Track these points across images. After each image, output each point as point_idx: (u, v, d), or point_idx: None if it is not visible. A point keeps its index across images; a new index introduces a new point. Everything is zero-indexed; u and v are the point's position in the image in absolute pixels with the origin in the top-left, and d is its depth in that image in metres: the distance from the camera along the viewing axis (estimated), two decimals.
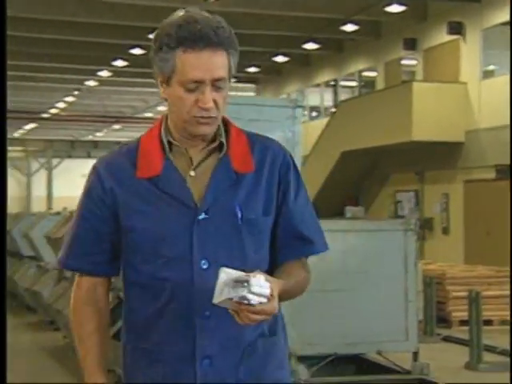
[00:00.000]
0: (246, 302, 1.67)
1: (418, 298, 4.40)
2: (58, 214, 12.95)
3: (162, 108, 26.42)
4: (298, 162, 6.96)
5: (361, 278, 4.28)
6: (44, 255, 12.07)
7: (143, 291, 1.94)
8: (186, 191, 1.92)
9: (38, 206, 27.86)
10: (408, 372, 4.33)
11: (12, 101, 28.52)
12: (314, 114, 22.92)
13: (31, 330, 10.92)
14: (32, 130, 34.05)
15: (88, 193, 2.00)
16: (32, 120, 32.10)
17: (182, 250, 1.90)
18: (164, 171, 1.93)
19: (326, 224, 4.27)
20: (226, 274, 1.69)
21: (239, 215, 1.92)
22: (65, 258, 2.04)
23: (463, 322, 9.38)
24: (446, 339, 9.03)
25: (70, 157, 33.81)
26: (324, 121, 19.62)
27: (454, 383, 5.62)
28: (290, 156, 2.04)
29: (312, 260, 4.38)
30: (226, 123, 2.00)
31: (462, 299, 9.07)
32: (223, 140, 1.96)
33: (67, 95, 28.18)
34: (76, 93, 27.60)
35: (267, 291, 1.69)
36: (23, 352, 9.20)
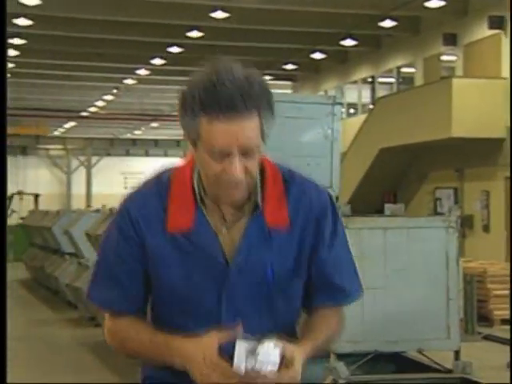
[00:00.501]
0: (257, 371, 1.65)
1: (459, 296, 4.34)
2: (97, 211, 13.07)
3: None
4: (337, 159, 6.92)
5: (401, 276, 4.25)
6: (84, 252, 12.20)
7: None
8: (217, 248, 1.84)
9: (78, 203, 28.17)
10: (449, 371, 4.28)
11: (52, 100, 28.92)
12: (352, 110, 22.81)
13: (72, 325, 11.04)
14: (72, 128, 34.46)
15: (120, 231, 1.90)
16: (72, 118, 32.48)
17: (210, 306, 1.86)
18: (196, 225, 1.84)
19: (365, 222, 4.27)
20: (240, 346, 1.67)
21: (270, 274, 1.85)
22: (96, 291, 1.94)
23: (504, 321, 9.25)
24: (487, 338, 8.92)
25: (108, 155, 34.14)
26: (362, 118, 19.50)
27: (497, 383, 5.55)
28: (330, 196, 1.94)
29: (354, 256, 4.34)
30: (262, 165, 1.86)
31: (503, 297, 8.96)
32: (259, 201, 1.84)
33: (106, 94, 28.45)
34: (115, 91, 27.84)
35: (276, 359, 1.66)
36: (63, 347, 9.31)
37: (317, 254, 1.89)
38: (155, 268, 1.88)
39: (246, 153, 1.74)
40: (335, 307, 1.93)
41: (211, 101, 1.71)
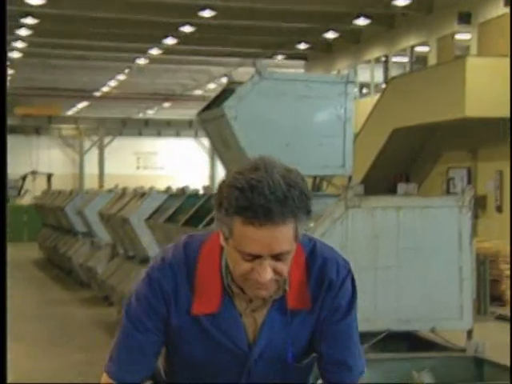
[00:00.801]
0: None
1: (472, 276, 4.33)
2: (110, 191, 13.11)
3: (213, 85, 26.45)
4: (350, 139, 6.89)
5: (414, 256, 4.24)
6: (97, 232, 12.26)
7: None
8: (241, 335, 1.86)
9: (91, 183, 28.26)
10: (462, 350, 4.28)
11: (65, 80, 28.91)
12: (365, 90, 22.68)
13: (86, 305, 11.12)
14: (84, 108, 34.48)
15: (149, 302, 1.87)
16: (84, 98, 32.50)
17: (228, 382, 1.90)
18: (222, 310, 1.84)
19: (378, 201, 4.26)
20: None
21: (290, 360, 1.88)
22: (115, 368, 1.92)
23: None
24: (500, 318, 8.92)
25: (121, 135, 34.17)
26: (374, 98, 19.39)
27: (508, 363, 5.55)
28: (349, 271, 1.94)
29: (366, 237, 4.31)
30: None
31: None
32: (287, 288, 1.83)
33: (119, 74, 28.42)
34: (127, 71, 27.81)
35: None
36: (78, 326, 9.39)
37: (329, 327, 1.90)
38: (176, 343, 1.90)
39: (277, 258, 1.73)
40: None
41: (247, 206, 1.68)
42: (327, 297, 1.88)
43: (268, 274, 1.72)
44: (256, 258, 1.72)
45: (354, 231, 4.17)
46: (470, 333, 4.31)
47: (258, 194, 1.67)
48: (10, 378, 6.90)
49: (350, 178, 6.81)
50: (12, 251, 19.97)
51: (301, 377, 1.96)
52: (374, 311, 4.21)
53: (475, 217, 4.30)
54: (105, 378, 1.94)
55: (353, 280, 1.94)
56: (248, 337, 1.86)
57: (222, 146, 6.81)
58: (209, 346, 1.86)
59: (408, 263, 4.23)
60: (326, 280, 1.88)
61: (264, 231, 1.68)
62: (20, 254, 18.89)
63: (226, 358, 1.87)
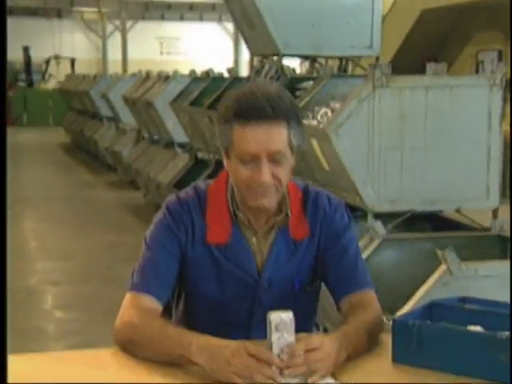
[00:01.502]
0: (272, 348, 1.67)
1: (499, 157, 4.29)
2: (134, 75, 13.02)
3: None
4: (378, 19, 6.70)
5: (442, 136, 4.18)
6: (122, 116, 12.27)
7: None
8: (252, 263, 2.00)
9: (114, 69, 28.06)
10: (487, 229, 4.30)
11: None
12: None
13: (112, 188, 11.28)
14: None
15: (169, 229, 1.99)
16: None
17: (241, 317, 2.02)
18: (232, 240, 2.00)
19: (406, 80, 4.17)
20: (270, 320, 1.69)
21: (297, 287, 2.04)
22: (139, 282, 1.97)
23: None
24: None
25: (143, 19, 33.62)
26: None
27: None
28: (342, 203, 2.10)
29: (393, 118, 4.27)
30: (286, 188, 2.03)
31: None
32: (289, 212, 2.01)
33: None
34: None
35: (290, 338, 1.67)
36: (105, 209, 9.55)
37: (329, 253, 2.05)
38: (190, 278, 2.02)
39: (274, 160, 1.88)
40: (357, 295, 2.03)
41: (243, 109, 1.87)
42: (323, 225, 2.05)
43: (267, 174, 1.87)
44: (255, 161, 1.87)
45: (380, 112, 4.11)
46: (495, 212, 4.31)
47: (252, 99, 1.87)
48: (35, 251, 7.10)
49: (377, 59, 6.68)
50: (38, 136, 20.21)
51: (308, 305, 2.11)
52: (399, 192, 4.20)
53: (504, 101, 4.20)
54: (128, 296, 1.96)
55: (346, 209, 2.11)
56: (257, 265, 2.01)
57: (247, 26, 6.68)
58: (221, 277, 2.00)
59: (435, 144, 4.19)
60: (320, 209, 2.05)
61: (260, 130, 1.85)
62: (46, 138, 19.06)
63: (238, 288, 2.01)
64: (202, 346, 1.73)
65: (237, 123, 1.87)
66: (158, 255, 1.97)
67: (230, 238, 1.99)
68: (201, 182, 2.09)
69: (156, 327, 1.83)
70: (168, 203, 2.03)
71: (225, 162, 1.97)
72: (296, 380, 1.66)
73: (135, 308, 1.91)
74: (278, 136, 1.87)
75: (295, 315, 1.90)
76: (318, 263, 2.06)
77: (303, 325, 1.78)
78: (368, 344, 1.91)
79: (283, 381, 1.65)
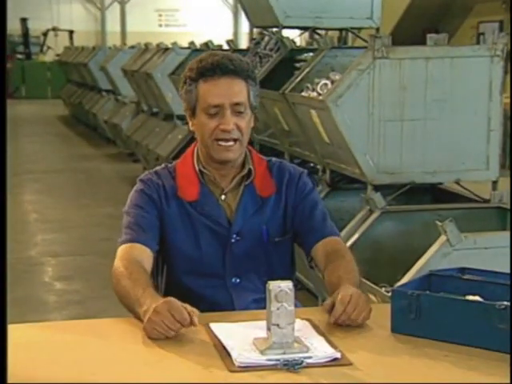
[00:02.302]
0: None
1: (499, 128, 4.27)
2: (132, 47, 12.94)
3: None
4: None
5: (442, 107, 4.16)
6: (121, 89, 12.21)
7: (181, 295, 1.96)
8: (220, 212, 2.17)
9: (113, 41, 27.87)
10: (486, 201, 4.29)
11: None
12: None
13: (111, 160, 11.26)
14: None
15: (144, 194, 2.18)
16: None
17: (215, 267, 2.17)
18: (200, 196, 2.17)
19: (406, 51, 4.14)
20: (269, 289, 1.69)
21: (265, 237, 2.19)
22: (125, 237, 2.13)
23: None
24: None
25: None
26: None
27: None
28: (303, 171, 2.28)
29: (394, 89, 4.24)
30: (248, 150, 2.23)
31: None
32: (251, 167, 2.20)
33: None
34: None
35: (290, 308, 1.68)
36: (104, 181, 9.55)
37: (297, 207, 2.22)
38: (168, 233, 2.16)
39: (236, 112, 2.09)
40: (327, 242, 2.19)
41: (207, 67, 2.09)
42: (289, 185, 2.23)
43: (231, 123, 2.08)
44: (219, 113, 2.08)
45: (381, 83, 4.09)
46: (495, 183, 4.30)
47: (214, 58, 2.10)
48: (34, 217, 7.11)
49: (377, 30, 6.63)
50: (37, 108, 20.14)
51: (279, 257, 2.23)
52: (398, 164, 4.19)
53: (505, 72, 4.17)
54: (120, 249, 2.11)
55: (309, 175, 2.31)
56: (227, 218, 2.18)
57: None
58: (195, 230, 2.16)
59: (435, 115, 4.17)
60: (285, 172, 2.25)
61: (222, 83, 2.08)
62: (45, 110, 18.99)
63: (211, 239, 2.16)
64: (145, 310, 1.82)
65: (202, 80, 2.10)
66: (138, 214, 2.15)
67: (199, 195, 2.17)
68: (172, 162, 2.30)
69: (128, 284, 1.95)
70: (139, 177, 2.25)
71: (190, 124, 2.19)
72: (277, 355, 1.66)
73: (122, 259, 2.05)
74: (239, 89, 2.10)
75: (268, 266, 2.16)
76: (286, 219, 2.22)
77: (280, 276, 1.84)
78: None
79: (264, 357, 1.65)
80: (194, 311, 1.80)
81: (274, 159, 2.30)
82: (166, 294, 2.03)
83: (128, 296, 1.92)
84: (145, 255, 2.08)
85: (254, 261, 2.19)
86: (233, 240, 2.17)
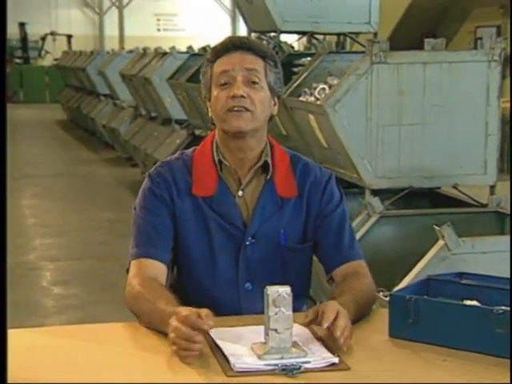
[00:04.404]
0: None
1: (497, 132, 4.28)
2: (130, 52, 12.95)
3: None
4: None
5: (440, 112, 4.16)
6: (119, 93, 12.22)
7: (191, 300, 1.92)
8: (237, 214, 2.03)
9: (111, 45, 27.89)
10: (484, 205, 4.30)
11: None
12: None
13: (110, 164, 11.26)
14: None
15: (154, 193, 2.04)
16: None
17: (227, 271, 2.04)
18: (218, 192, 2.03)
19: (404, 56, 4.15)
20: (267, 294, 1.68)
21: (283, 242, 2.04)
22: (137, 249, 2.02)
23: None
24: None
25: None
26: None
27: None
28: (332, 175, 2.12)
29: (391, 94, 4.26)
30: (271, 145, 2.10)
31: None
32: (268, 160, 2.05)
33: None
34: None
35: (287, 313, 1.66)
36: (103, 185, 9.55)
37: (323, 219, 2.07)
38: (181, 231, 2.04)
39: (249, 80, 1.98)
40: (353, 267, 2.06)
41: (224, 46, 2.02)
42: (314, 190, 2.07)
43: (241, 88, 1.95)
44: (232, 83, 1.97)
45: (379, 87, 4.09)
46: (492, 188, 4.31)
47: (233, 39, 2.03)
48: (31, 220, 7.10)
49: (375, 35, 6.65)
50: (35, 113, 20.13)
51: (296, 265, 2.08)
52: (396, 168, 4.20)
53: (503, 77, 4.18)
54: (132, 264, 2.01)
55: (337, 182, 2.14)
56: (243, 219, 2.04)
57: (245, 1, 6.64)
58: (208, 229, 2.03)
59: (433, 120, 4.17)
60: (311, 174, 2.08)
61: (236, 55, 1.99)
62: (43, 115, 18.99)
63: (224, 240, 2.03)
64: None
65: (217, 59, 2.02)
66: (147, 220, 2.02)
67: (216, 191, 2.03)
68: (189, 149, 2.14)
69: (148, 302, 1.86)
70: (150, 170, 2.10)
71: (208, 106, 2.06)
72: (275, 359, 1.65)
73: (136, 277, 1.96)
74: (253, 60, 2.00)
75: (283, 274, 1.99)
76: (308, 226, 2.08)
77: (296, 289, 1.75)
78: (362, 314, 1.94)
79: (262, 362, 1.65)
80: (207, 315, 1.68)
81: (298, 156, 2.14)
82: (172, 291, 2.01)
83: (150, 315, 1.84)
84: (158, 270, 1.98)
85: (269, 267, 2.04)
86: (247, 242, 2.03)
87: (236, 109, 1.96)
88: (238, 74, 1.97)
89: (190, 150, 2.12)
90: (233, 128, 1.98)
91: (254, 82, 1.98)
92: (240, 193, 2.05)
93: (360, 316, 1.92)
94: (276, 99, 2.06)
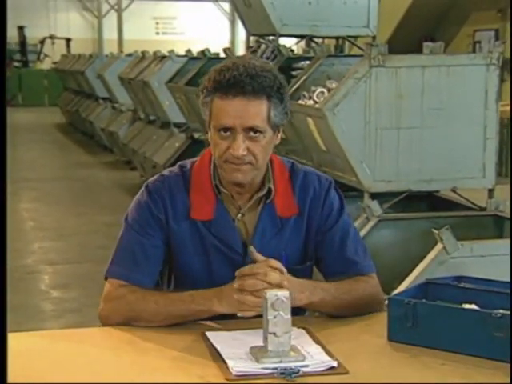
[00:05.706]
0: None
1: (496, 136, 4.28)
2: (129, 55, 12.96)
3: None
4: (375, 0, 6.66)
5: (438, 116, 4.17)
6: (118, 97, 12.23)
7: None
8: (236, 238, 1.98)
9: (110, 48, 27.92)
10: (483, 209, 4.31)
11: None
12: None
13: (108, 168, 11.26)
14: None
15: (149, 209, 1.98)
16: None
17: None
18: (216, 216, 1.98)
19: (402, 60, 4.16)
20: (266, 298, 1.68)
21: (284, 259, 1.95)
22: (116, 266, 1.99)
23: None
24: None
25: None
26: None
27: None
28: (332, 182, 2.07)
29: (390, 97, 4.26)
30: (270, 160, 2.01)
31: None
32: (271, 186, 1.99)
33: None
34: None
35: (286, 316, 1.67)
36: (101, 188, 9.55)
37: (324, 234, 2.02)
38: (177, 252, 1.99)
39: (251, 135, 1.88)
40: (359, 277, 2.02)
41: (224, 82, 1.86)
42: (314, 205, 2.02)
43: (241, 148, 1.86)
44: (232, 134, 1.88)
45: (377, 91, 4.10)
46: (491, 191, 4.31)
47: (234, 73, 1.86)
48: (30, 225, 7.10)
49: (374, 38, 6.65)
50: (34, 116, 20.13)
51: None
52: (395, 172, 4.21)
53: (501, 80, 4.19)
54: (108, 282, 1.99)
55: (336, 189, 2.08)
56: (242, 240, 1.99)
57: (244, 4, 6.64)
58: (207, 252, 1.98)
59: (432, 123, 4.18)
60: (310, 188, 2.03)
61: (237, 103, 1.86)
62: (42, 118, 19.00)
63: (223, 264, 1.98)
64: (217, 296, 1.83)
65: (217, 95, 1.89)
66: (138, 238, 1.97)
67: (214, 214, 1.98)
68: (187, 161, 2.07)
69: (158, 295, 1.88)
70: (148, 182, 2.03)
71: (208, 134, 1.97)
72: (273, 363, 1.64)
73: (122, 288, 1.94)
74: (255, 111, 1.87)
75: None
76: (308, 245, 2.03)
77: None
78: (337, 309, 1.94)
79: (261, 365, 1.64)
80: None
81: (297, 167, 2.06)
82: None
83: (171, 306, 1.86)
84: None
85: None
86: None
87: (235, 167, 1.91)
88: (239, 131, 1.87)
89: (188, 163, 2.05)
90: (231, 178, 1.94)
91: (257, 132, 1.89)
92: (239, 216, 2.00)
93: (333, 310, 1.95)
94: (280, 129, 1.98)
